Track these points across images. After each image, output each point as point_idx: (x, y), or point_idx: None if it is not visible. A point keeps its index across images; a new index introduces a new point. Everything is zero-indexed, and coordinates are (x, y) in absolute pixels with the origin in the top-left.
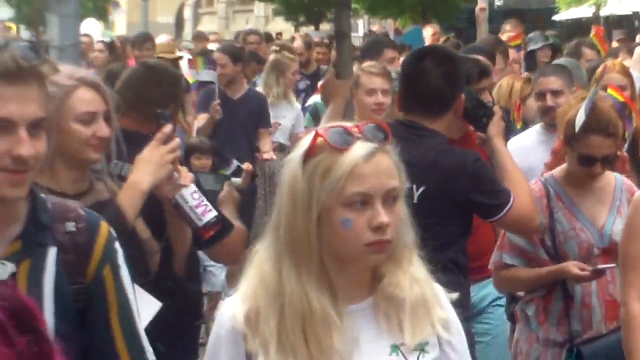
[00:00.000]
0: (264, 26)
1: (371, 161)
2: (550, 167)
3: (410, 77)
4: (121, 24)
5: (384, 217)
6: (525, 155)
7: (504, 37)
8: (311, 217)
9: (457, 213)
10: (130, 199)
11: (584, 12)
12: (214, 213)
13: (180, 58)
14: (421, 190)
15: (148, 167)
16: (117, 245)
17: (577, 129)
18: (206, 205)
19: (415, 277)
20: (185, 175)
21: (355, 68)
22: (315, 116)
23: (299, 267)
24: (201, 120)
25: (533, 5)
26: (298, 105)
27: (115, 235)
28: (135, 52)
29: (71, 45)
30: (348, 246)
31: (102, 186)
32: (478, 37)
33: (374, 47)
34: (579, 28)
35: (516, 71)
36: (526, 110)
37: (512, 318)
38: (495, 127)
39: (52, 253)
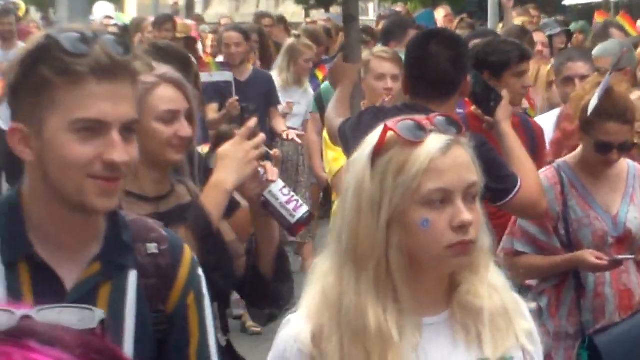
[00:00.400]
0: (274, 9)
1: (448, 154)
2: (549, 156)
3: (416, 61)
4: (131, 5)
5: (466, 215)
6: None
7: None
8: (380, 220)
9: None
10: (214, 199)
11: None
12: (306, 207)
13: (194, 40)
14: None
15: (232, 165)
16: (201, 271)
17: (589, 114)
18: (296, 200)
19: (493, 285)
20: (271, 170)
21: (366, 52)
22: (319, 102)
23: (359, 276)
24: (211, 110)
25: None
26: (312, 92)
27: (197, 259)
28: (155, 32)
29: None
30: (427, 249)
31: (184, 189)
32: (490, 23)
33: (398, 27)
34: (589, 13)
35: (546, 55)
36: (551, 95)
37: None
38: (503, 110)
39: (133, 277)
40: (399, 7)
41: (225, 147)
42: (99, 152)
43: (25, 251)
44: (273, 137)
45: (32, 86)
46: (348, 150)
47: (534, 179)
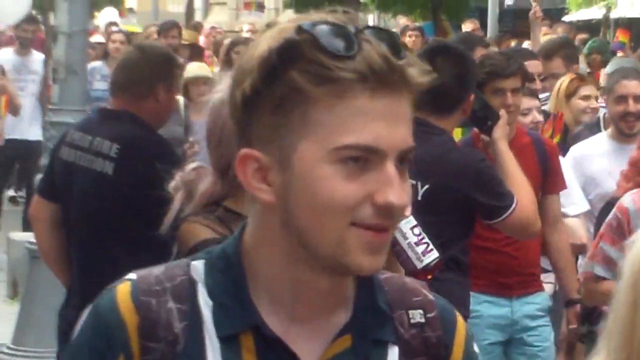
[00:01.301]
0: (275, 18)
1: None
2: (627, 178)
3: None
4: (131, 14)
5: None
6: (587, 163)
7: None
8: None
9: (459, 212)
10: None
11: (594, 13)
12: (436, 253)
13: (200, 48)
14: (425, 187)
15: None
16: (476, 345)
17: None
18: (427, 242)
19: None
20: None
21: None
22: None
23: None
24: None
25: (543, 5)
26: None
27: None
28: (161, 39)
29: (79, 31)
30: None
31: None
32: (489, 35)
33: (466, 44)
34: (588, 29)
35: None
36: (570, 108)
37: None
38: (500, 129)
39: (393, 354)
40: (402, 19)
41: None
42: (370, 191)
43: (250, 322)
44: None
45: (277, 98)
46: None
47: (530, 200)
